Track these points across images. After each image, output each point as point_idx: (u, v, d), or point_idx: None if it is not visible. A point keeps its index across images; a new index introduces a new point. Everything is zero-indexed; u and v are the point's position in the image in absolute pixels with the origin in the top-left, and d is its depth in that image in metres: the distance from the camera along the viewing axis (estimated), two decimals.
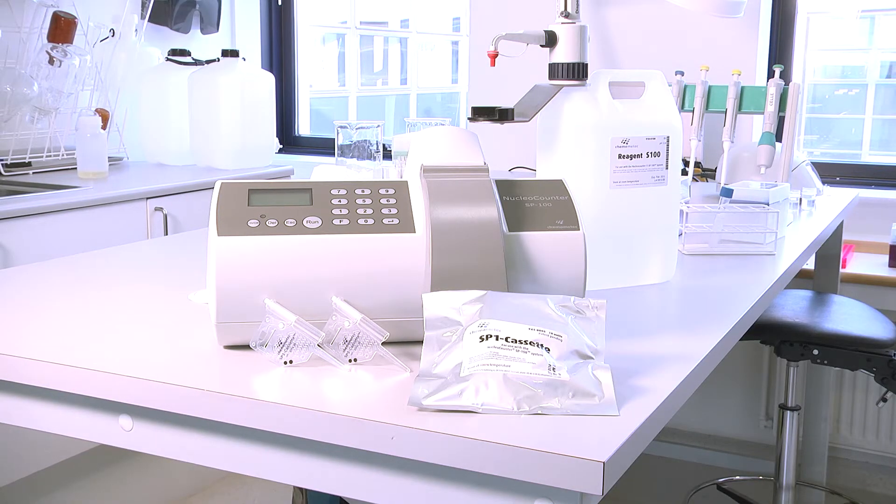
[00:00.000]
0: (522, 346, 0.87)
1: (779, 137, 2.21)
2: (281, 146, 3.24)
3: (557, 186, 1.08)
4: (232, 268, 0.95)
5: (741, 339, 1.28)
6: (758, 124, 2.68)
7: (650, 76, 1.33)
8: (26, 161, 2.73)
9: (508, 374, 0.84)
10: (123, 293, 1.27)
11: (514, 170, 2.82)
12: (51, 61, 2.69)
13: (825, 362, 1.93)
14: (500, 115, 1.24)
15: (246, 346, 0.99)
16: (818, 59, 3.03)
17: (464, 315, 0.92)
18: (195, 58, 3.08)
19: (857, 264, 2.46)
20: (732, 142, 2.17)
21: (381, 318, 0.98)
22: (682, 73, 2.31)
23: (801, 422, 2.48)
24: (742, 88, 2.21)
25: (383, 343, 0.95)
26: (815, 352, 1.93)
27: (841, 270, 2.41)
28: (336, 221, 0.99)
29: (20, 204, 2.18)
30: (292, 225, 0.98)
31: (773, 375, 2.66)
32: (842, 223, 2.37)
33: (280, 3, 3.68)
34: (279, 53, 3.72)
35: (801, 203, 2.09)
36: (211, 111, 2.89)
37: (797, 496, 2.42)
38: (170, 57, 3.04)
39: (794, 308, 2.09)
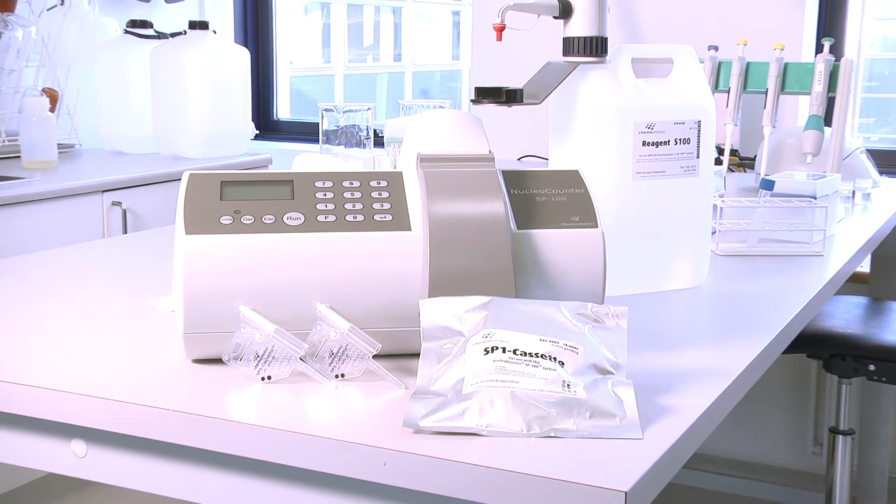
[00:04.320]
0: (533, 359, 0.88)
1: (828, 121, 2.22)
2: (257, 132, 3.25)
3: (573, 178, 1.09)
4: (202, 271, 0.96)
5: (784, 353, 1.28)
6: (804, 106, 2.69)
7: (679, 52, 1.34)
8: None
9: (517, 392, 0.85)
10: (76, 300, 1.28)
11: (523, 159, 2.83)
12: None
13: (883, 379, 1.94)
14: (508, 96, 1.25)
15: (218, 360, 0.99)
16: (875, 30, 3.03)
17: (466, 324, 0.92)
18: (158, 30, 3.08)
19: None
20: (774, 126, 2.17)
21: (373, 328, 0.98)
22: (715, 48, 2.32)
23: (855, 448, 2.49)
24: (785, 65, 2.21)
25: (374, 356, 0.96)
26: (871, 367, 1.94)
27: None
28: (321, 218, 1.00)
29: None
30: (271, 222, 0.99)
31: (823, 394, 2.66)
32: None
33: None
34: (255, 25, 3.72)
35: (854, 196, 2.10)
36: (176, 92, 2.89)
37: None
38: (128, 29, 3.05)
39: (846, 317, 2.10)
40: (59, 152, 2.85)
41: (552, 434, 0.84)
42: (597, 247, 1.03)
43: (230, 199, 1.01)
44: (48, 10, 2.95)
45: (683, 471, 2.75)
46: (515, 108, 1.29)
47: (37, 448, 0.98)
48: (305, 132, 3.63)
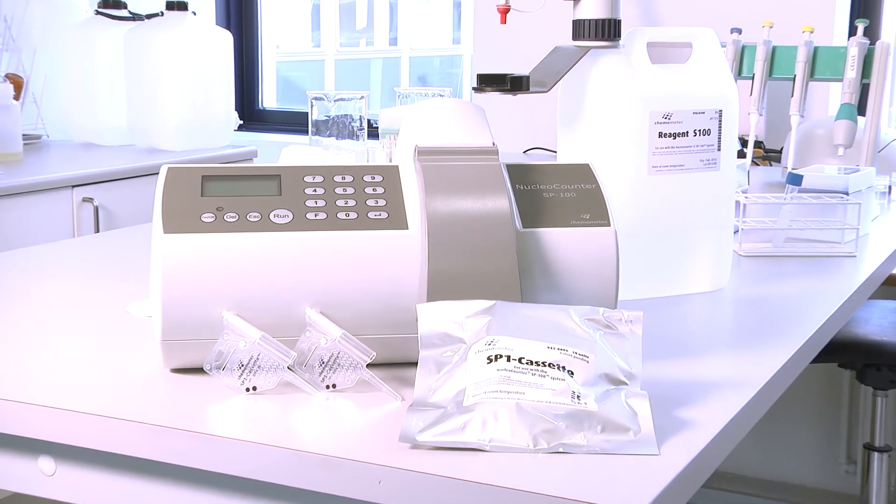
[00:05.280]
0: (540, 368, 0.88)
1: (862, 110, 2.22)
2: (241, 122, 3.26)
3: (583, 172, 1.09)
4: (181, 273, 0.97)
5: (813, 362, 1.29)
6: (835, 94, 2.70)
7: (699, 35, 1.35)
8: None
9: (522, 404, 0.86)
10: (43, 304, 1.29)
11: (529, 152, 2.83)
12: None
13: None
14: (513, 84, 1.25)
15: (199, 370, 1.00)
16: None
17: (468, 330, 0.93)
18: (132, 11, 3.09)
19: None
20: (803, 116, 2.18)
21: (366, 335, 0.99)
22: (739, 31, 2.33)
23: (892, 466, 2.49)
24: (815, 49, 2.22)
25: (368, 365, 0.97)
26: None
27: None
28: (310, 216, 1.00)
29: None
30: (256, 220, 0.99)
31: (856, 408, 2.67)
32: None
33: None
34: (238, 7, 3.73)
35: (889, 192, 2.10)
36: (153, 78, 2.90)
37: None
38: (100, 10, 3.05)
39: (880, 323, 2.10)
40: (25, 144, 2.85)
41: (560, 449, 0.84)
42: (609, 247, 1.03)
43: (212, 196, 1.01)
44: None
45: (703, 490, 2.76)
46: (521, 97, 1.29)
47: (1, 466, 0.99)
48: (293, 122, 3.63)
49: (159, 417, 0.90)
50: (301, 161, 1.55)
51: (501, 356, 0.89)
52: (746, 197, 1.65)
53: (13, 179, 2.40)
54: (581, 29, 1.30)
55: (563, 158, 1.34)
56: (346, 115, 1.72)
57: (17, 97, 2.83)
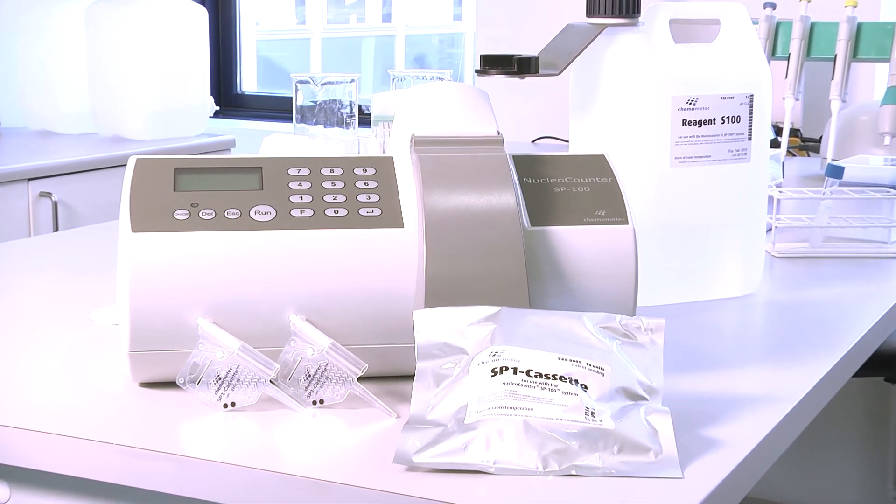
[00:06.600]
0: (550, 382, 0.89)
1: None
2: (218, 108, 3.26)
3: (598, 164, 1.10)
4: (152, 276, 0.97)
5: (856, 375, 1.29)
6: (881, 76, 2.70)
7: (727, 10, 1.35)
8: None
9: (531, 421, 0.86)
10: None
11: (538, 141, 2.84)
12: None
13: None
14: (520, 66, 1.26)
15: (171, 384, 1.00)
16: None
17: (470, 340, 0.93)
18: None
19: None
20: (844, 101, 2.18)
21: (358, 345, 0.99)
22: (773, 6, 2.33)
23: None
24: (859, 26, 2.22)
25: (360, 378, 0.97)
26: None
27: None
28: (295, 213, 1.01)
29: None
30: (235, 217, 1.00)
31: None
32: None
33: None
34: None
35: None
36: (118, 59, 2.90)
37: None
38: None
39: None
40: None
41: (573, 472, 0.84)
42: (627, 247, 1.04)
43: (186, 190, 1.01)
44: None
45: None
46: (529, 81, 1.30)
47: None
48: (276, 108, 3.63)
49: (127, 437, 0.90)
50: (285, 152, 1.55)
51: (507, 368, 0.90)
52: (781, 191, 1.65)
53: None
54: (596, 4, 1.30)
55: (575, 149, 1.35)
56: (335, 100, 1.73)
57: None
